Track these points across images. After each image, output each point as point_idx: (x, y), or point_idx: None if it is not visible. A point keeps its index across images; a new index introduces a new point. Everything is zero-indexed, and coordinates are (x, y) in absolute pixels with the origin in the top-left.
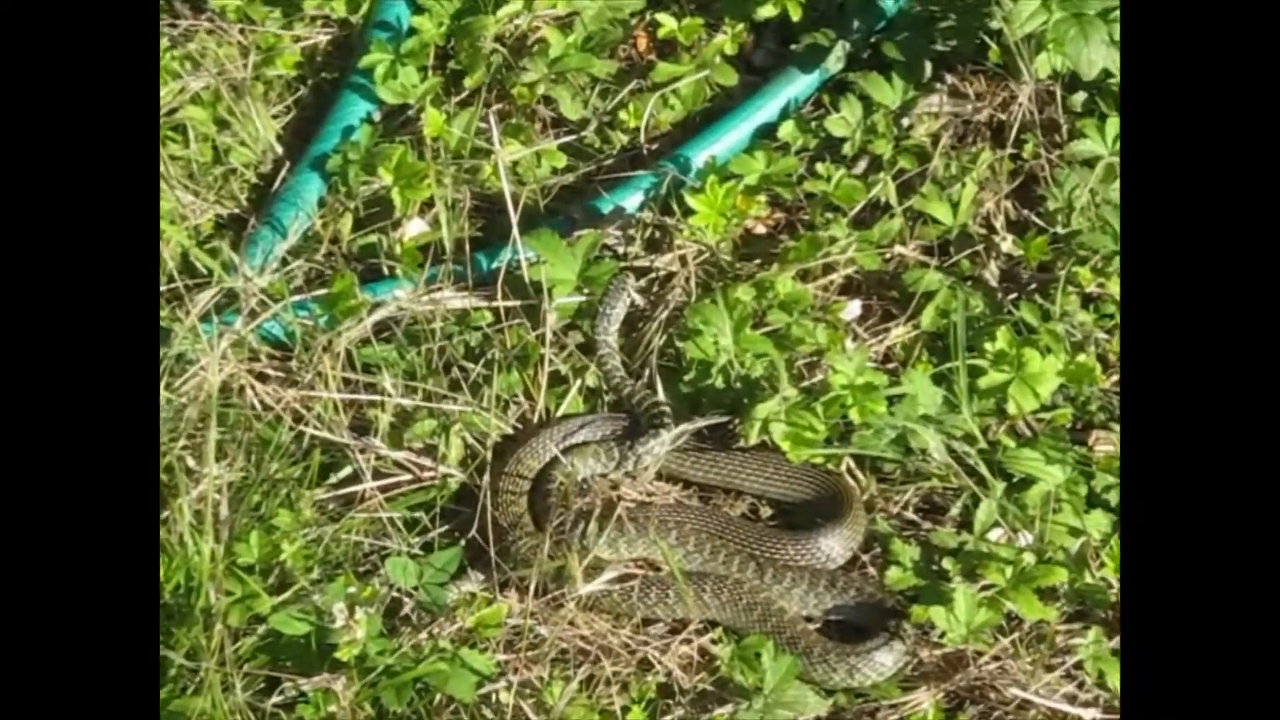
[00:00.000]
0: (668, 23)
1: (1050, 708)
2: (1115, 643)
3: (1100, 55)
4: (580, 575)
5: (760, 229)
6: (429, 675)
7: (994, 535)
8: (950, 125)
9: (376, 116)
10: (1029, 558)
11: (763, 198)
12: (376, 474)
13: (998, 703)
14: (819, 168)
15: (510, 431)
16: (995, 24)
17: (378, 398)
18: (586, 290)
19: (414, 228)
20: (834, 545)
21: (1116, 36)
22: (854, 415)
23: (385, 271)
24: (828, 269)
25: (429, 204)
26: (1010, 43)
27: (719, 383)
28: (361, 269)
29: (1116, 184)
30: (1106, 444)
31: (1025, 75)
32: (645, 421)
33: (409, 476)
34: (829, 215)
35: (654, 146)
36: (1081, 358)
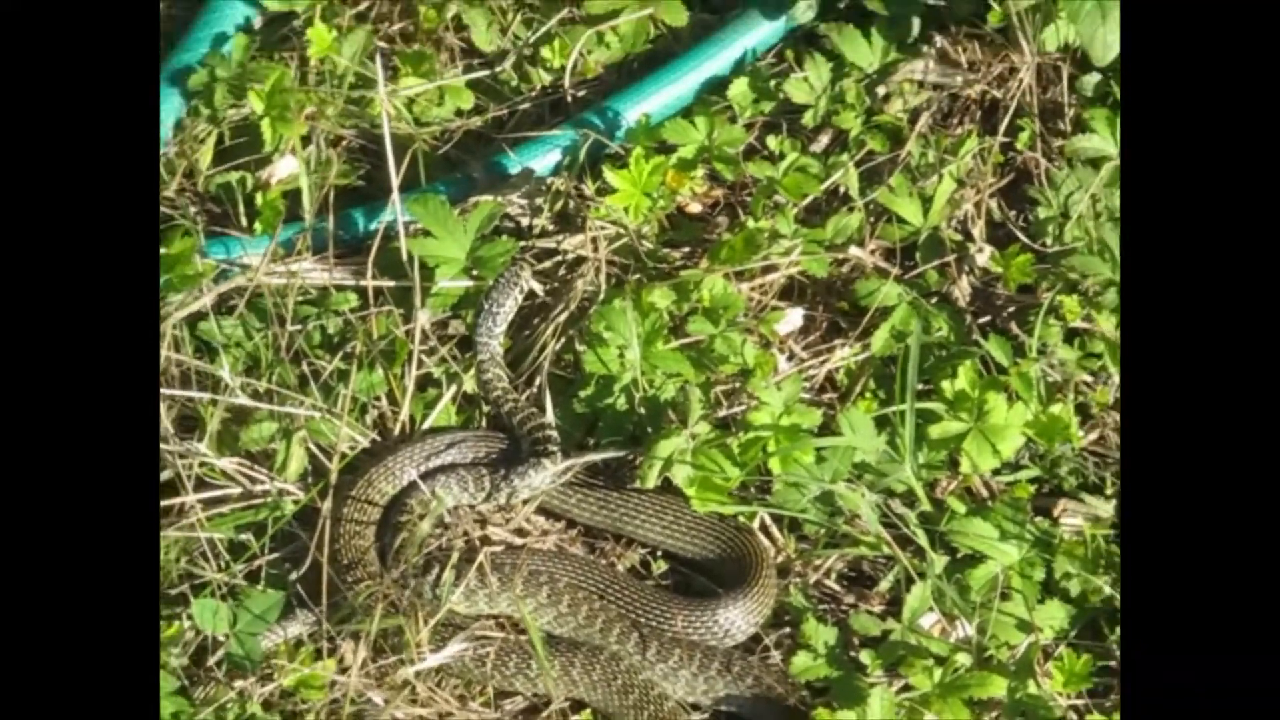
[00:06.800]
0: None
1: None
2: None
3: (1118, 38)
4: (426, 638)
5: (695, 206)
6: None
7: (926, 622)
8: (934, 101)
9: (256, 24)
10: (964, 657)
11: (700, 172)
12: (200, 484)
13: None
14: (770, 141)
15: (365, 444)
16: None
17: (203, 394)
18: (476, 274)
19: (285, 167)
20: (735, 618)
21: None
22: (773, 465)
23: (243, 223)
24: (768, 268)
25: (310, 140)
26: (1014, 8)
27: (620, 404)
28: (215, 214)
29: None
30: (1074, 518)
31: (1028, 47)
32: (527, 447)
33: (239, 490)
34: (774, 203)
35: (580, 93)
36: (1056, 408)
